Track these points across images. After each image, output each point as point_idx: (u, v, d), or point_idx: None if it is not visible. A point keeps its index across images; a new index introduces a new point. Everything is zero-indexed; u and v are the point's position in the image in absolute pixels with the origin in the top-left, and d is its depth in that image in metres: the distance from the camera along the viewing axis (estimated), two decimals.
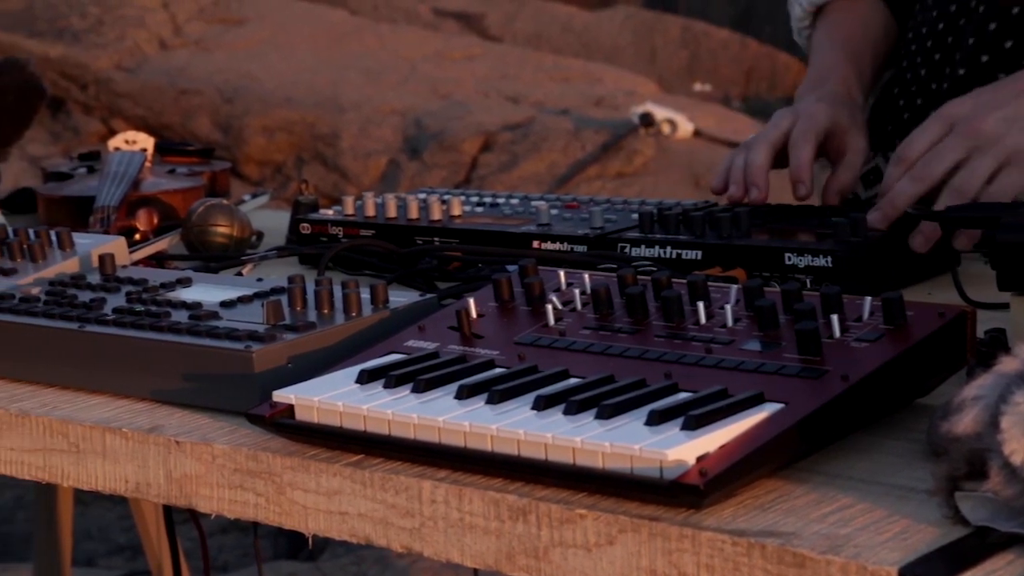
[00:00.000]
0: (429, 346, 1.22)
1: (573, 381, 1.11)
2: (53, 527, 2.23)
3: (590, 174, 6.32)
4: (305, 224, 1.77)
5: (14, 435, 1.25)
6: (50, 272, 1.50)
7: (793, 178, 1.65)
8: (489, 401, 1.08)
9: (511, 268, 1.46)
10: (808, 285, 1.43)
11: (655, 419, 1.00)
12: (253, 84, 6.66)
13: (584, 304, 1.23)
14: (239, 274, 1.64)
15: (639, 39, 8.41)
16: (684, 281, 1.21)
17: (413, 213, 1.72)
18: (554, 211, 1.72)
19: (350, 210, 1.77)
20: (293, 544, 4.10)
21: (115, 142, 2.05)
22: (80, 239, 1.56)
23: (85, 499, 4.16)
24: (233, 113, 6.52)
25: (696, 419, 0.99)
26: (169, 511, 2.12)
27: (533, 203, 1.78)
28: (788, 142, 1.66)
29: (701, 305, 1.17)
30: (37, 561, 2.35)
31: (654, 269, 1.47)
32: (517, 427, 1.02)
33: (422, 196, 1.82)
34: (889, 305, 1.12)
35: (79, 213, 1.88)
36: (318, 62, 7.13)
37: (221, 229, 1.75)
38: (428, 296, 1.36)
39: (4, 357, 1.34)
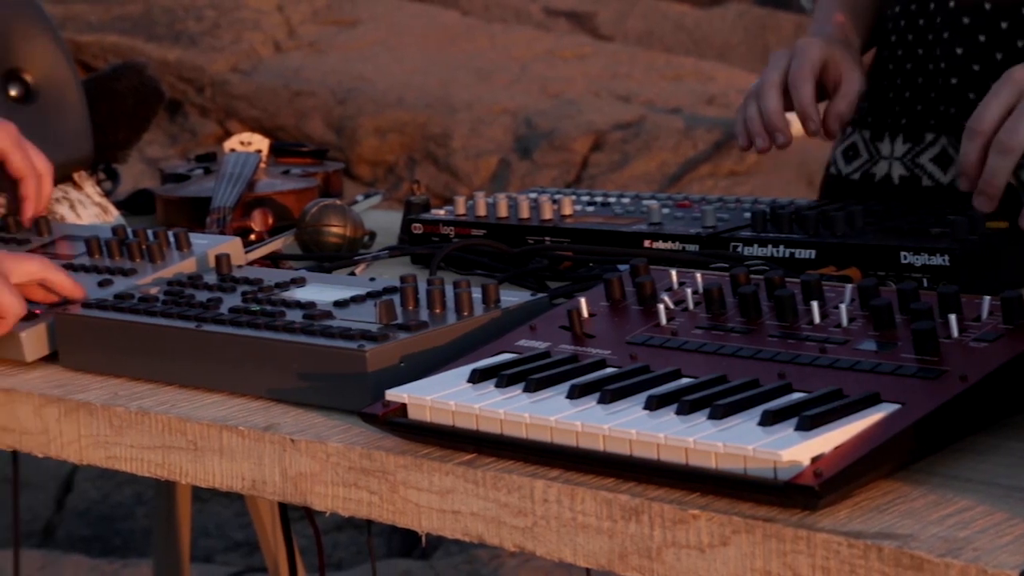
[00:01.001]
0: (540, 346, 1.22)
1: (685, 381, 1.10)
2: (172, 523, 2.27)
3: (701, 173, 6.28)
4: (417, 224, 1.78)
5: (134, 432, 1.28)
6: (168, 272, 1.52)
7: (801, 116, 1.71)
8: (601, 401, 1.08)
9: (622, 267, 1.45)
10: (924, 284, 1.41)
11: (769, 419, 0.99)
12: (365, 85, 6.71)
13: (696, 304, 1.23)
14: (352, 274, 1.66)
15: (751, 36, 8.35)
16: (798, 280, 1.20)
17: (524, 213, 1.72)
18: (665, 210, 1.71)
19: (461, 210, 1.78)
20: (406, 542, 4.13)
21: (231, 144, 2.08)
22: (197, 239, 1.59)
23: (203, 496, 4.23)
24: (346, 114, 6.58)
25: (811, 419, 0.98)
26: (284, 508, 2.14)
27: (644, 202, 1.78)
28: (788, 82, 1.71)
29: (815, 305, 1.16)
30: (157, 557, 2.39)
31: (767, 268, 1.45)
32: (629, 427, 1.02)
33: (533, 196, 1.82)
34: (1008, 304, 1.10)
35: (196, 214, 1.91)
36: (429, 63, 7.17)
37: (334, 229, 1.77)
38: (539, 296, 1.36)
39: (124, 356, 1.36)
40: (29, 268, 1.43)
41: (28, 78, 1.92)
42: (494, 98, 6.75)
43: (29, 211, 1.64)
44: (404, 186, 6.27)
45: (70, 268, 1.54)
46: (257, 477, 1.21)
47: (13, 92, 1.91)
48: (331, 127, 6.57)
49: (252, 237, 1.78)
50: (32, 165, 1.64)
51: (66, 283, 1.45)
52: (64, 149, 1.94)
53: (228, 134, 6.30)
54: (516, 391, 1.12)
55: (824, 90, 1.75)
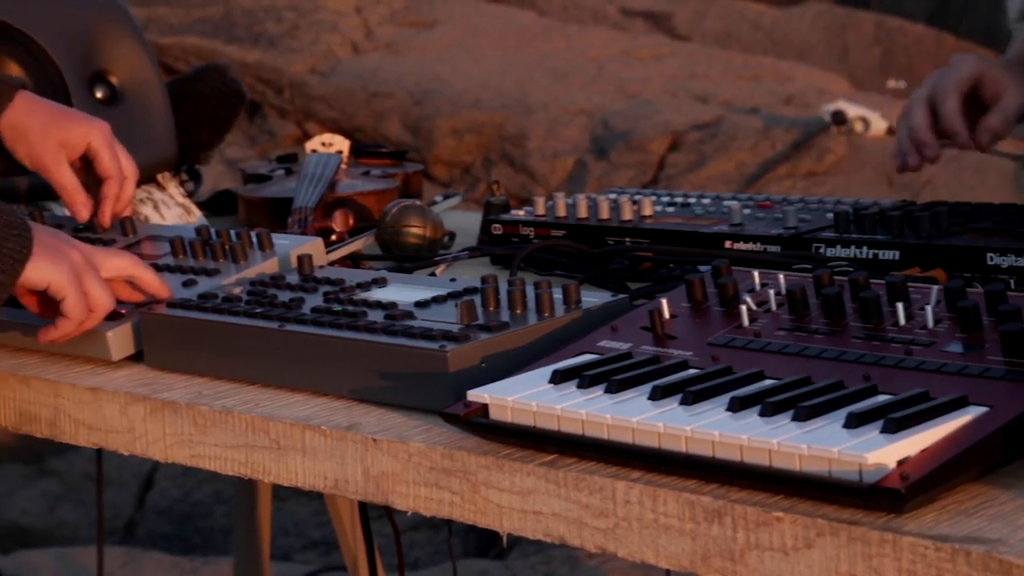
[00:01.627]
0: (622, 346, 1.21)
1: (769, 383, 1.10)
2: (253, 522, 2.29)
3: (780, 173, 6.24)
4: (497, 225, 1.78)
5: (218, 431, 1.29)
6: (251, 272, 1.53)
7: (948, 131, 1.70)
8: (683, 402, 1.07)
9: (703, 268, 1.45)
10: (1012, 286, 1.39)
11: (854, 421, 0.98)
12: (442, 86, 6.73)
13: (779, 305, 1.22)
14: (432, 274, 1.66)
15: (830, 36, 8.28)
16: (882, 282, 1.19)
17: (604, 213, 1.72)
18: (746, 211, 1.71)
19: (541, 211, 1.78)
20: (483, 542, 4.14)
21: (312, 145, 2.10)
22: (279, 240, 1.60)
23: (281, 495, 4.26)
24: (423, 115, 6.60)
25: (897, 422, 0.97)
26: (364, 507, 2.16)
27: (725, 203, 1.77)
28: (934, 97, 1.71)
29: (900, 306, 1.15)
30: (237, 555, 2.41)
31: (850, 269, 1.44)
32: (712, 428, 1.02)
33: (612, 196, 1.82)
34: None
35: (277, 214, 1.92)
36: (506, 63, 7.17)
37: (415, 230, 1.77)
38: (620, 296, 1.35)
39: (208, 355, 1.38)
40: (119, 264, 1.45)
41: (114, 80, 1.94)
42: (571, 99, 6.74)
43: (107, 212, 1.66)
44: (480, 187, 6.28)
45: (155, 268, 1.55)
46: (339, 476, 1.22)
47: (99, 94, 1.94)
48: (408, 128, 6.59)
49: (333, 237, 1.79)
50: (119, 167, 1.66)
51: (153, 281, 1.47)
52: (148, 150, 1.96)
53: (306, 135, 6.34)
54: (598, 392, 1.12)
55: (982, 105, 1.73)
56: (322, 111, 6.46)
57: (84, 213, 1.64)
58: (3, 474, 4.45)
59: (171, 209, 1.96)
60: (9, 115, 1.61)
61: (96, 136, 1.64)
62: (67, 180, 1.63)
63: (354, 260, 1.75)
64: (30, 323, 1.47)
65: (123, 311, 1.45)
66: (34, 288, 1.38)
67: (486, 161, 6.63)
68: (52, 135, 1.62)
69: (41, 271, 1.36)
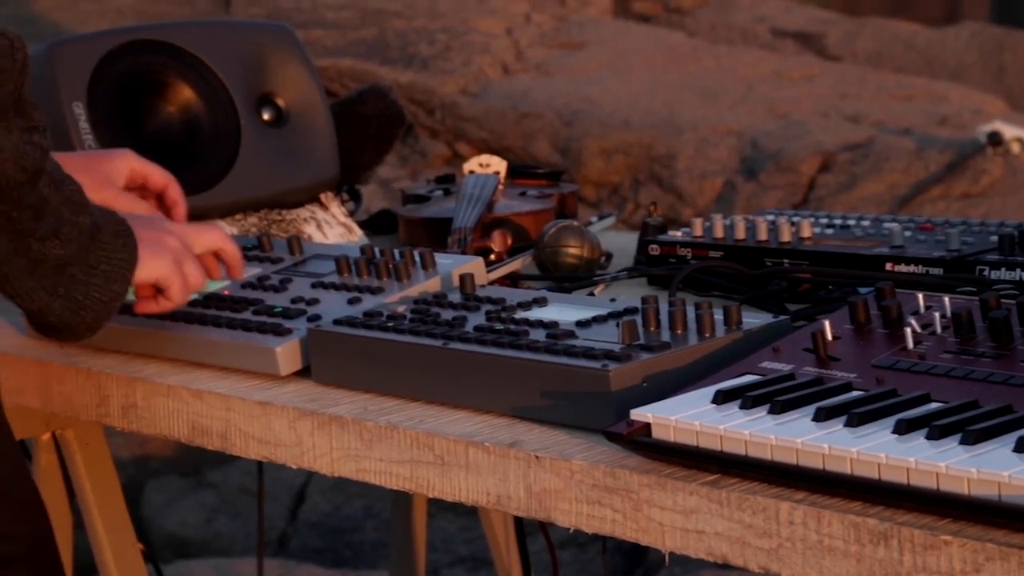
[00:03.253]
0: (784, 368, 1.22)
1: (935, 405, 1.09)
2: (408, 537, 2.32)
3: (933, 195, 6.15)
4: (654, 245, 1.79)
5: (383, 446, 1.32)
6: (414, 291, 1.56)
7: None
8: (848, 424, 1.07)
9: (863, 290, 1.44)
10: None
11: None
12: (591, 107, 6.75)
13: (944, 328, 1.21)
14: (591, 294, 1.68)
15: (986, 56, 8.15)
16: None
17: (762, 235, 1.72)
18: (907, 233, 1.69)
19: (698, 232, 1.79)
20: (629, 561, 4.14)
21: (470, 166, 2.13)
22: (441, 259, 1.62)
23: (430, 510, 4.30)
24: (572, 136, 6.62)
25: None
26: (520, 523, 2.18)
27: (885, 225, 1.76)
28: None
29: None
30: (392, 569, 2.44)
31: (1016, 292, 1.43)
32: (878, 450, 1.02)
33: (770, 218, 1.82)
34: None
35: (436, 233, 1.95)
36: (655, 84, 7.17)
37: (572, 250, 1.79)
38: (781, 318, 1.36)
39: (373, 371, 1.41)
40: (210, 238, 1.54)
41: (281, 102, 1.99)
42: (720, 119, 6.72)
43: (182, 211, 1.70)
44: (628, 207, 6.29)
45: (320, 286, 1.59)
46: (502, 492, 1.24)
47: (266, 116, 1.99)
48: (557, 148, 6.62)
49: (492, 257, 1.82)
50: (165, 173, 1.71)
51: (236, 255, 1.56)
52: (312, 171, 2.01)
53: (456, 155, 6.40)
54: (760, 412, 1.13)
55: None
56: (472, 131, 6.53)
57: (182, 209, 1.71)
58: (162, 486, 4.57)
59: (333, 228, 2.00)
60: None
61: (132, 159, 1.70)
62: (139, 204, 1.67)
63: (513, 280, 1.77)
64: (205, 337, 1.52)
65: (291, 327, 1.49)
66: (144, 284, 1.48)
67: (634, 181, 6.64)
68: (98, 172, 1.66)
69: (148, 270, 1.46)
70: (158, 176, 1.71)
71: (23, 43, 1.32)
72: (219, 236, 1.57)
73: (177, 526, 4.44)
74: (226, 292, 1.62)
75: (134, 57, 1.93)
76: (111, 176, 1.68)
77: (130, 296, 1.50)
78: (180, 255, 1.50)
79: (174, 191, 1.72)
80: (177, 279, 1.49)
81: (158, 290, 1.51)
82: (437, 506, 3.97)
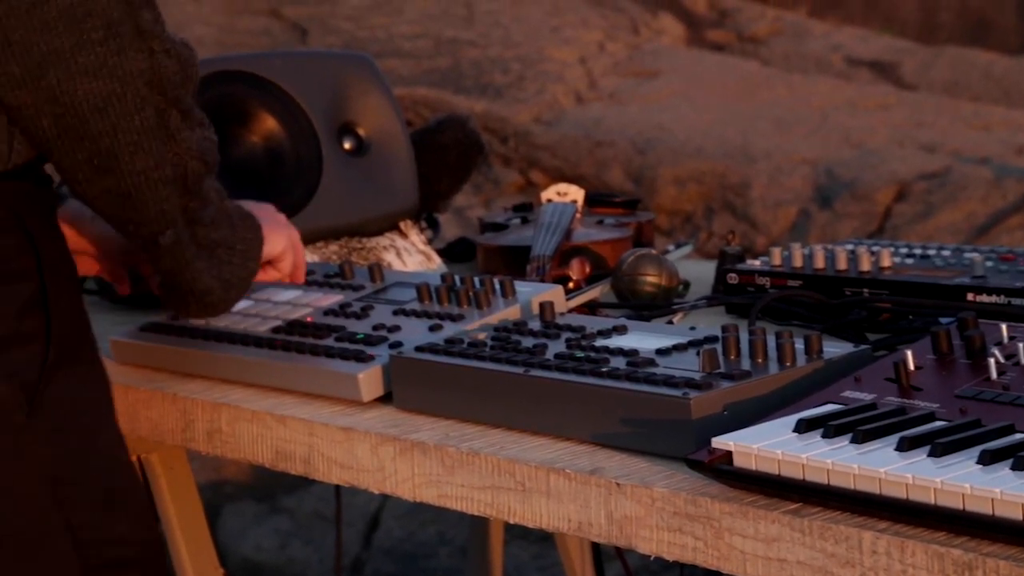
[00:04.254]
0: (866, 397, 1.22)
1: (1020, 436, 1.09)
2: (485, 563, 2.33)
3: (1011, 224, 6.09)
4: (732, 274, 1.80)
5: (465, 472, 1.33)
6: (494, 318, 1.57)
7: None
8: (931, 454, 1.07)
9: (945, 320, 1.44)
10: None
11: None
12: (665, 135, 6.75)
13: None
14: (669, 322, 1.68)
15: None
16: None
17: (841, 264, 1.72)
18: (988, 263, 1.69)
19: (777, 261, 1.79)
20: None
21: (547, 194, 2.14)
22: (521, 287, 1.64)
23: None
24: (645, 164, 6.63)
25: None
26: (598, 550, 2.18)
27: (966, 255, 1.75)
28: None
29: None
30: None
31: None
32: (962, 481, 1.02)
33: (849, 247, 1.82)
34: None
35: (514, 262, 1.97)
36: (729, 113, 7.17)
37: (650, 278, 1.80)
38: (863, 347, 1.36)
39: (454, 398, 1.42)
40: (295, 233, 1.68)
41: (362, 132, 2.02)
42: (793, 148, 6.70)
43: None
44: (701, 235, 6.27)
45: (402, 313, 1.61)
46: (583, 519, 1.25)
47: (347, 145, 2.01)
48: (630, 177, 6.62)
49: (570, 285, 1.83)
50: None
51: (302, 260, 1.69)
52: (392, 199, 2.03)
53: (530, 183, 6.42)
54: (843, 442, 1.13)
55: None
56: (546, 160, 6.55)
57: None
58: (238, 510, 4.60)
59: (412, 256, 2.02)
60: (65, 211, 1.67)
61: (288, 235, 1.78)
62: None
63: (591, 308, 1.78)
64: (288, 364, 1.55)
65: (373, 354, 1.51)
66: (267, 260, 1.63)
67: (707, 210, 6.63)
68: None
69: (272, 244, 1.62)
70: (285, 264, 1.79)
71: (194, 50, 1.45)
72: (296, 235, 1.71)
73: (252, 551, 4.48)
74: (309, 319, 1.64)
75: (219, 87, 1.96)
76: None
77: None
78: (290, 232, 1.67)
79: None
80: (290, 253, 1.67)
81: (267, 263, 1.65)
82: (510, 533, 3.98)
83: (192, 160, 1.42)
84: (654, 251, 1.86)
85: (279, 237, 1.65)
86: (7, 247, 1.39)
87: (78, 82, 1.35)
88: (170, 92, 1.39)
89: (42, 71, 1.33)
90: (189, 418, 1.56)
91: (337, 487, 1.79)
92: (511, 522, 1.30)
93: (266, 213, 1.63)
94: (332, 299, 1.69)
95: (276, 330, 1.61)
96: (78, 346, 1.44)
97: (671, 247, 2.16)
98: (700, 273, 2.00)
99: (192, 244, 1.47)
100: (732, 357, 1.35)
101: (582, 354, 1.39)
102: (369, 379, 1.48)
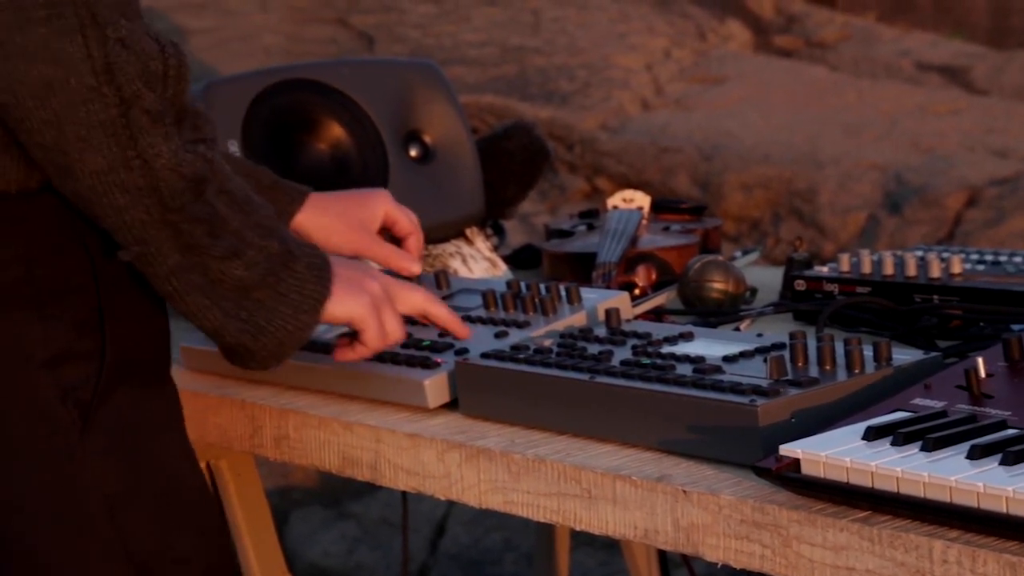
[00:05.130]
0: (936, 405, 1.21)
1: None
2: (551, 570, 2.33)
3: None
4: (800, 281, 1.79)
5: (530, 479, 1.33)
6: (560, 325, 1.57)
7: None
8: (1003, 462, 1.06)
9: (1016, 327, 1.42)
10: None
11: None
12: (731, 142, 6.73)
13: None
14: (736, 329, 1.67)
15: None
16: None
17: (911, 270, 1.71)
18: None
19: (845, 267, 1.78)
20: None
21: (613, 201, 2.14)
22: (587, 293, 1.64)
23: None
24: (712, 170, 6.60)
25: None
26: (664, 557, 2.17)
27: None
28: None
29: None
30: None
31: None
32: None
33: (919, 253, 1.80)
34: None
35: (580, 268, 1.96)
36: (796, 119, 7.13)
37: (717, 285, 1.79)
38: (933, 354, 1.34)
39: (520, 404, 1.42)
40: (415, 299, 1.53)
41: (427, 139, 2.03)
42: (862, 153, 6.65)
43: (417, 262, 1.73)
44: (768, 242, 6.24)
45: (468, 319, 1.61)
46: (649, 526, 1.24)
47: (413, 152, 2.02)
48: (696, 183, 6.60)
49: (636, 292, 1.82)
50: (412, 221, 1.74)
51: (449, 319, 1.55)
52: (458, 206, 2.03)
53: (595, 190, 6.42)
54: (913, 450, 1.12)
55: None
56: (611, 166, 6.54)
57: (416, 267, 1.71)
58: (305, 516, 4.63)
59: (478, 263, 2.02)
60: (302, 219, 1.68)
61: (386, 202, 1.73)
62: (388, 250, 1.71)
63: (657, 314, 1.77)
64: (355, 370, 1.55)
65: (439, 360, 1.51)
66: (337, 323, 1.47)
67: (775, 216, 6.59)
68: (354, 218, 1.70)
69: (342, 306, 1.44)
70: (405, 224, 1.74)
71: (178, 51, 1.32)
72: (425, 299, 1.53)
73: (319, 556, 4.50)
74: None
75: (286, 96, 1.97)
76: (366, 222, 1.71)
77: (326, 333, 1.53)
78: (379, 301, 1.47)
79: (415, 242, 1.74)
80: (373, 323, 1.46)
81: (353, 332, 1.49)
82: (576, 539, 3.97)
83: (165, 171, 1.30)
84: (721, 257, 1.85)
85: (355, 301, 1.44)
86: (64, 264, 1.36)
87: (15, 63, 1.26)
88: (126, 87, 1.28)
89: None
90: (257, 424, 1.57)
91: (404, 493, 1.80)
92: (577, 529, 1.30)
93: (352, 274, 1.45)
94: None
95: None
96: (140, 364, 1.40)
97: (738, 253, 2.15)
98: (767, 280, 1.99)
99: (195, 274, 1.35)
100: (800, 364, 1.34)
101: (648, 361, 1.39)
102: (435, 386, 1.49)
